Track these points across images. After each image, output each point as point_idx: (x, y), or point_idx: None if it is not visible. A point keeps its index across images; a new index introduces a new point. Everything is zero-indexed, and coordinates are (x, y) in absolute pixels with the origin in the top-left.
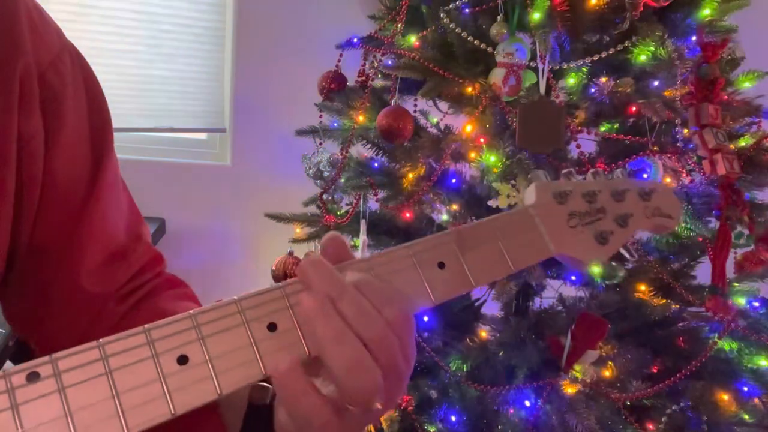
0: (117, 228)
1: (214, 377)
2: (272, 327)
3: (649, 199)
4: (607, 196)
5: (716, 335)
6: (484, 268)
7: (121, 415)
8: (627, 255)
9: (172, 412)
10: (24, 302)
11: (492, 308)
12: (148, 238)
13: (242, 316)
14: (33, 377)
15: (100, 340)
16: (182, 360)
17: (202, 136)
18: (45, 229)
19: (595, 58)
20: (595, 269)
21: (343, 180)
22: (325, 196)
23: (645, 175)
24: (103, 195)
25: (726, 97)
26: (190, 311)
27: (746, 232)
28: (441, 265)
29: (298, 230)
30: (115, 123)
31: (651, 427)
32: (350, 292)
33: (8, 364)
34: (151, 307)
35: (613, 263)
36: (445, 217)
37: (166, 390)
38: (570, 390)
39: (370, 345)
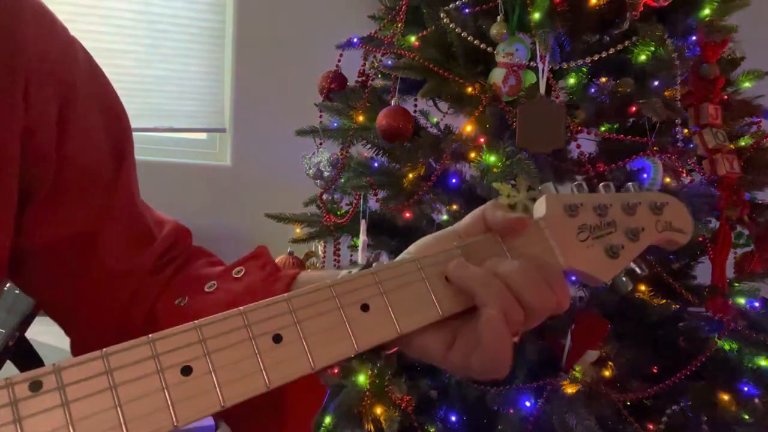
0: (142, 212)
1: (218, 389)
2: (277, 338)
3: (661, 213)
4: (618, 209)
5: (716, 335)
6: None
7: (123, 426)
8: (638, 270)
9: (175, 423)
10: (58, 293)
11: None
12: (170, 219)
13: (248, 330)
14: (35, 387)
15: (105, 350)
16: (186, 371)
17: (202, 136)
18: (70, 218)
19: (595, 58)
20: None
21: (343, 180)
22: (325, 196)
23: (645, 176)
24: (129, 182)
25: (726, 97)
26: (195, 322)
27: (746, 232)
28: (449, 278)
29: (298, 230)
30: None
31: (651, 427)
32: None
33: (8, 364)
34: (190, 273)
35: (623, 278)
36: (445, 217)
37: (169, 402)
38: (570, 390)
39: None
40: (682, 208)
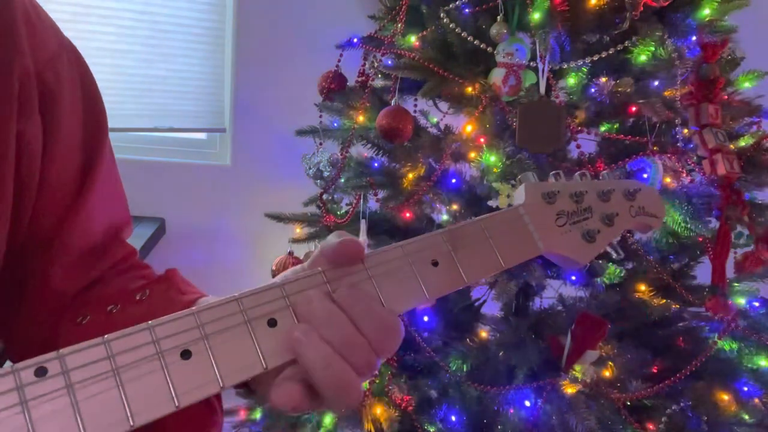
0: (97, 230)
1: (217, 371)
2: (272, 323)
3: (634, 199)
4: (594, 196)
5: (716, 335)
6: (476, 265)
7: (127, 409)
8: (613, 253)
9: (176, 405)
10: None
11: (492, 308)
12: (126, 237)
13: (243, 315)
14: (41, 372)
15: (106, 336)
16: (185, 355)
17: (202, 136)
18: (31, 229)
19: (595, 58)
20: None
21: (343, 180)
22: (325, 196)
23: (645, 176)
24: (90, 197)
25: (726, 97)
26: (192, 309)
27: (746, 232)
28: (435, 263)
29: (298, 230)
30: (115, 123)
31: (651, 427)
32: (336, 322)
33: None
34: (105, 292)
35: (600, 261)
36: (445, 217)
37: (170, 385)
38: (570, 390)
39: (354, 366)
40: (654, 194)
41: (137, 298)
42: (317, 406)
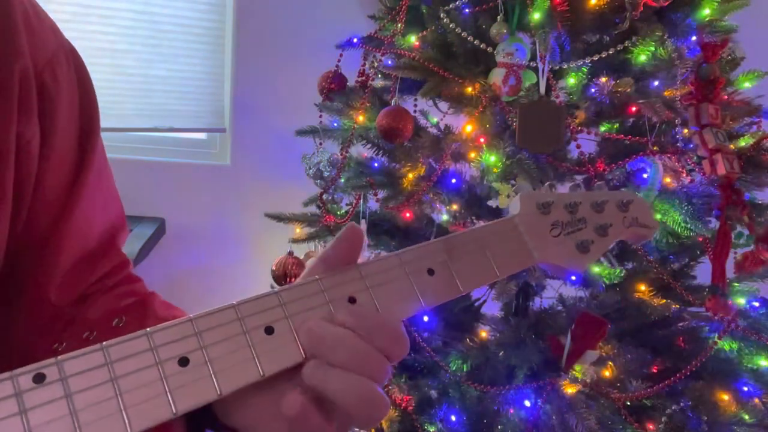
0: (92, 234)
1: (214, 378)
2: (269, 330)
3: (627, 210)
4: (588, 207)
5: (716, 335)
6: (472, 274)
7: (125, 417)
8: (607, 264)
9: (174, 411)
10: None
11: (492, 308)
12: (121, 244)
13: (241, 323)
14: (39, 379)
15: (104, 343)
16: (183, 362)
17: (202, 136)
18: (27, 231)
19: (595, 58)
20: (596, 268)
21: (343, 180)
22: (325, 196)
23: (645, 176)
24: (83, 199)
25: (726, 97)
26: (191, 316)
27: (746, 232)
28: (431, 272)
29: (298, 230)
30: (115, 123)
31: (651, 427)
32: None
33: None
34: (84, 314)
35: (611, 265)
36: (445, 217)
37: (167, 391)
38: (570, 390)
39: (370, 375)
40: (645, 205)
41: (113, 324)
42: (342, 426)
